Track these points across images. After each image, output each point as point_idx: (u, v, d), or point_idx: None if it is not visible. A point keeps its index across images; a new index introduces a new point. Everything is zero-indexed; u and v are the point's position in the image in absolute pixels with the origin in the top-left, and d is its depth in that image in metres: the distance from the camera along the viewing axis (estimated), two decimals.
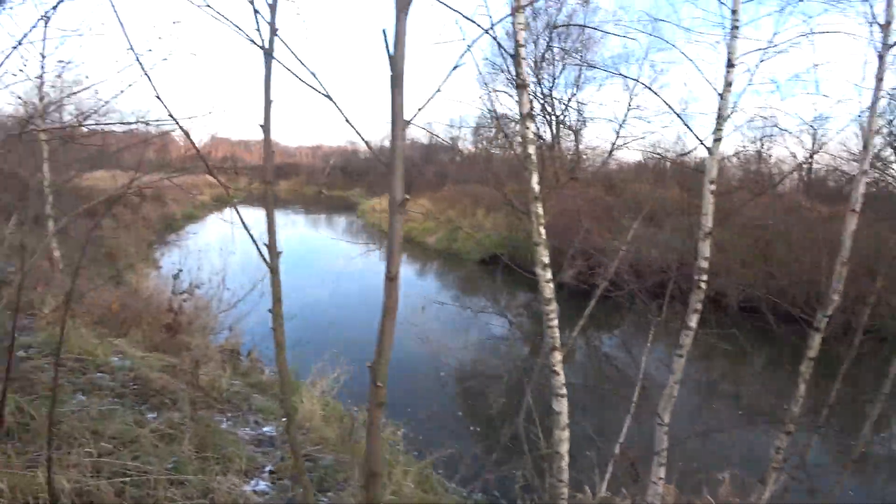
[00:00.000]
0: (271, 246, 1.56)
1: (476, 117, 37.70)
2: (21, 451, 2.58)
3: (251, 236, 1.71)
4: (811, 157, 14.17)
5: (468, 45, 1.63)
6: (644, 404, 4.78)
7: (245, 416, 4.33)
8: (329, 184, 45.07)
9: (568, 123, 21.07)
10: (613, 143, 20.39)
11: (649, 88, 3.18)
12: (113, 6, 1.48)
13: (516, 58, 2.30)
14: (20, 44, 3.65)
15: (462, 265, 18.14)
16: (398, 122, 1.26)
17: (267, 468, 3.53)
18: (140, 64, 1.63)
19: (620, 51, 21.18)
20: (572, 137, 21.53)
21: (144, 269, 10.19)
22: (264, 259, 1.64)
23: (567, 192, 18.64)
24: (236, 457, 3.29)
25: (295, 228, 24.05)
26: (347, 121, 1.53)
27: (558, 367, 2.33)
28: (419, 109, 1.36)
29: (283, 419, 4.48)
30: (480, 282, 16.62)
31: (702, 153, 3.06)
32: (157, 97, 1.60)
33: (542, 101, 20.89)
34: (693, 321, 2.86)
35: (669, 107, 3.19)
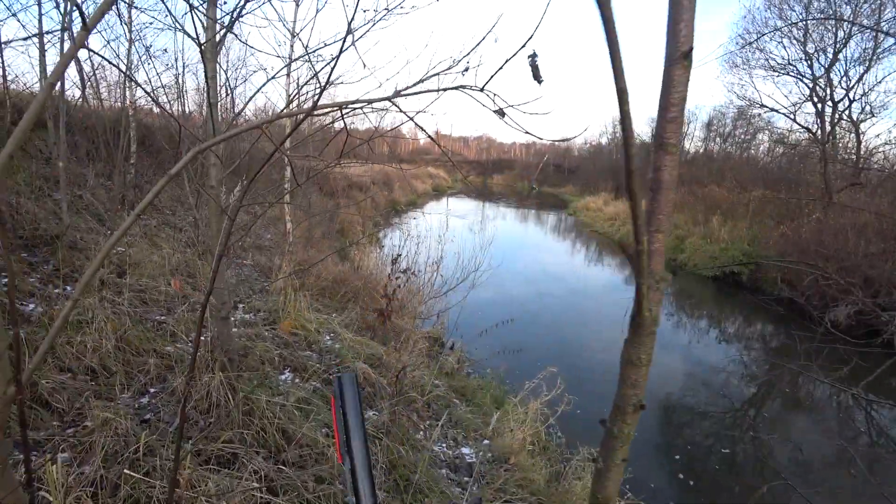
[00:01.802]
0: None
1: (711, 109, 32.97)
2: (213, 436, 2.30)
3: None
4: None
5: None
6: None
7: (444, 428, 3.76)
8: (541, 180, 44.66)
9: (849, 113, 16.03)
10: None
11: None
12: None
13: None
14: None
15: (689, 280, 15.70)
16: None
17: None
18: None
19: None
20: (853, 132, 16.40)
21: (368, 247, 10.79)
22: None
23: (845, 203, 14.54)
24: (429, 489, 2.67)
25: (505, 222, 24.02)
26: None
27: None
28: None
29: (486, 442, 3.79)
30: (708, 301, 14.09)
31: None
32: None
33: (810, 83, 16.27)
34: None
35: None
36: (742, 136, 26.92)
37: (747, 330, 11.95)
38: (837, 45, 15.39)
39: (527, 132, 1.16)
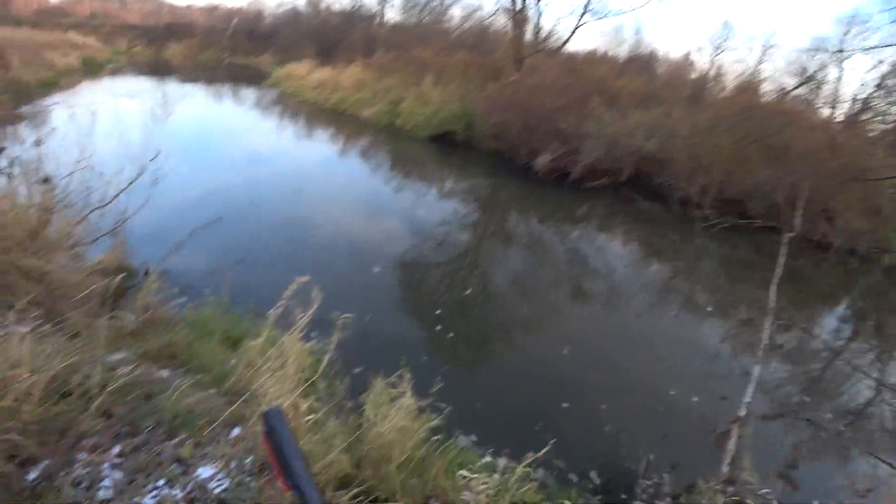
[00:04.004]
0: None
1: None
2: None
3: None
4: None
5: None
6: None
7: (151, 446, 2.09)
8: (231, 48, 38.26)
9: None
10: (578, 23, 18.17)
11: None
12: None
13: None
14: None
15: (407, 142, 15.51)
16: None
17: None
18: None
19: None
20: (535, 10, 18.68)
21: None
22: None
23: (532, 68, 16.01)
24: None
25: (194, 101, 19.54)
26: None
27: None
28: None
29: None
30: (426, 162, 14.20)
31: None
32: None
33: None
34: None
35: None
36: (437, 10, 28.42)
37: (462, 185, 12.42)
38: None
39: None
